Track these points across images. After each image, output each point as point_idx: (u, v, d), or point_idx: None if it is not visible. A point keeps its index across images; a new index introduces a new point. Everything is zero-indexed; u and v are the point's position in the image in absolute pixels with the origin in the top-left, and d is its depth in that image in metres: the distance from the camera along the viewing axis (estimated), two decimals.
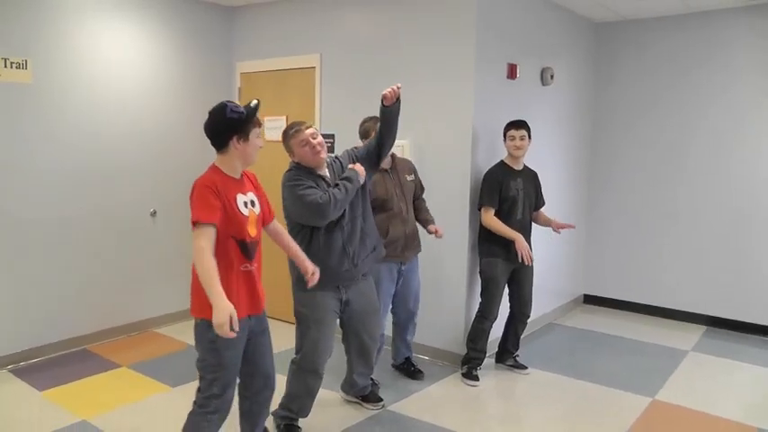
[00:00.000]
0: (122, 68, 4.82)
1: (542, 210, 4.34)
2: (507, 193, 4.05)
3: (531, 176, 4.23)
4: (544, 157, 5.13)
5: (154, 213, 5.02)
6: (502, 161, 4.18)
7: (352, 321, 3.36)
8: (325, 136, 4.91)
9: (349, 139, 4.59)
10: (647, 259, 5.74)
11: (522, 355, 4.50)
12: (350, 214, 3.21)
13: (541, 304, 5.29)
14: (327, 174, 3.21)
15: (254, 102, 2.62)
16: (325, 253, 3.14)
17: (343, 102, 4.88)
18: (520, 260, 3.93)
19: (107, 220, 4.78)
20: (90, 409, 3.65)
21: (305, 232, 3.15)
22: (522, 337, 4.41)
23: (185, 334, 4.93)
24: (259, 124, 2.63)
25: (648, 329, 5.36)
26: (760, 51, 5.11)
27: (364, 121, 3.83)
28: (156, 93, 5.07)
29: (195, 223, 2.44)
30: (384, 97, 3.12)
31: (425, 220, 4.03)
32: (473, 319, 4.22)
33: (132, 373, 4.22)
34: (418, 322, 4.23)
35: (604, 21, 5.76)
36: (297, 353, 3.28)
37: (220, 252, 2.49)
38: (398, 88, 3.14)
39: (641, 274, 5.78)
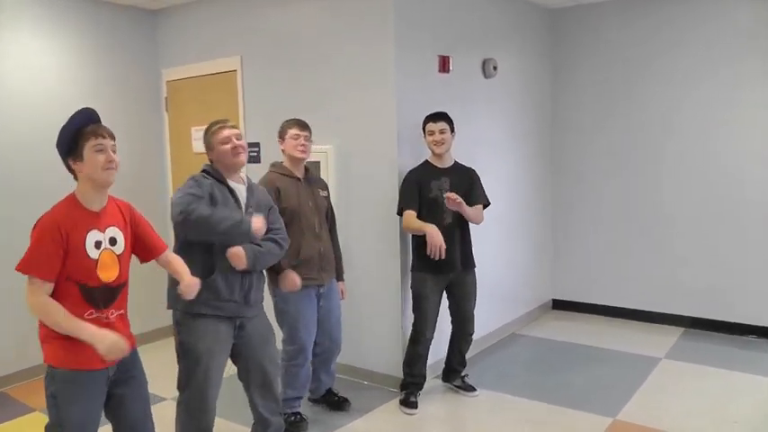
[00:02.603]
0: (31, 85, 4.48)
1: (481, 206, 3.81)
2: (428, 194, 3.63)
3: (462, 174, 3.77)
4: (494, 155, 4.74)
5: None
6: (426, 160, 3.77)
7: (251, 346, 2.94)
8: (250, 144, 4.59)
9: (275, 147, 4.23)
10: (618, 259, 5.29)
11: (474, 372, 4.12)
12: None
13: (503, 313, 4.94)
14: (242, 191, 2.87)
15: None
16: (219, 276, 2.75)
17: (267, 106, 4.51)
18: (432, 256, 3.45)
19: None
20: None
21: (194, 250, 2.75)
22: (469, 353, 4.00)
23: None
24: (99, 134, 2.23)
25: (621, 335, 4.93)
26: (733, 34, 4.65)
27: (285, 122, 3.53)
28: (69, 106, 4.63)
29: (29, 275, 2.10)
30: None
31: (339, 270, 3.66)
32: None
33: (42, 418, 3.87)
34: (353, 340, 3.87)
35: (559, 6, 5.31)
36: (181, 391, 2.88)
37: (58, 296, 2.16)
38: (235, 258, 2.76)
39: (613, 275, 5.33)
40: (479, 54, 4.52)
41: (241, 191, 2.89)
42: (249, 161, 4.58)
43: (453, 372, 3.99)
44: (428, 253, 3.45)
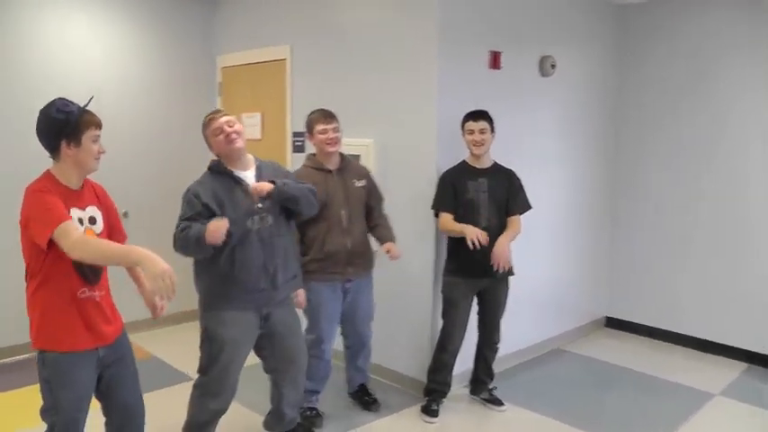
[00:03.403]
0: (92, 67, 4.65)
1: (520, 216, 3.59)
2: (464, 195, 3.46)
3: (501, 176, 3.57)
4: (549, 160, 4.49)
5: (125, 215, 4.83)
6: (463, 160, 3.59)
7: (278, 337, 2.92)
8: (295, 134, 4.58)
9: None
10: (681, 279, 4.84)
11: (506, 386, 3.92)
12: (270, 230, 2.82)
13: (547, 326, 4.69)
14: (249, 177, 2.83)
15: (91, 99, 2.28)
16: (241, 269, 2.75)
17: (313, 96, 4.43)
18: (471, 246, 3.26)
19: None
20: (10, 424, 3.45)
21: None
22: (505, 365, 3.84)
23: (154, 343, 4.75)
24: (97, 125, 2.27)
25: (675, 364, 4.52)
26: None
27: (310, 114, 3.42)
28: (129, 91, 4.88)
29: (50, 233, 2.08)
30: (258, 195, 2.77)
31: (382, 237, 3.47)
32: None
33: None
34: (382, 340, 3.75)
35: (627, 2, 4.92)
36: (201, 375, 2.89)
37: (50, 275, 2.18)
38: (258, 190, 2.74)
39: (674, 296, 4.89)
40: (536, 51, 4.27)
41: (248, 177, 2.84)
42: (294, 151, 4.62)
43: (480, 383, 3.80)
44: (469, 245, 3.25)
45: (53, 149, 2.24)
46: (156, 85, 5.05)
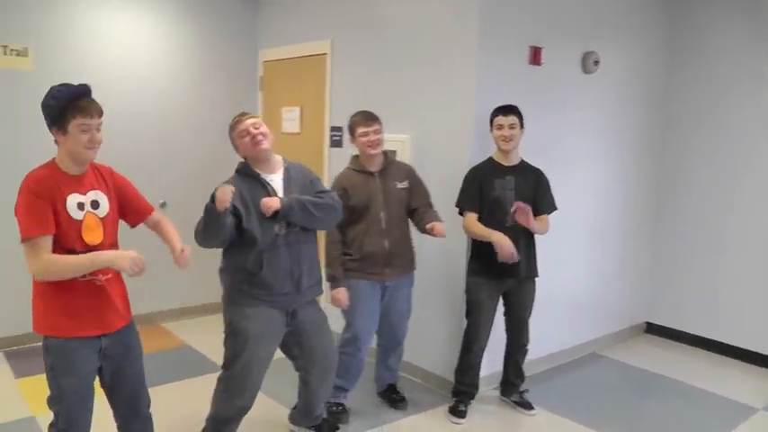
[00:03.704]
0: (136, 58, 4.75)
1: (548, 216, 3.50)
2: (490, 193, 3.37)
3: (528, 175, 3.47)
4: (590, 159, 4.37)
5: (163, 205, 4.92)
6: (490, 157, 3.50)
7: (305, 335, 2.92)
8: (333, 129, 4.57)
9: None
10: (728, 286, 4.64)
11: (538, 389, 3.84)
12: (297, 236, 2.81)
13: (584, 330, 4.57)
14: (276, 180, 2.82)
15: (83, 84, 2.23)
16: (268, 273, 2.75)
17: (353, 92, 4.44)
18: (499, 260, 3.21)
19: None
20: (34, 409, 3.52)
21: (241, 246, 2.76)
22: (539, 368, 3.76)
23: (188, 331, 4.83)
24: (87, 114, 2.18)
25: (717, 374, 4.34)
26: None
27: (352, 116, 3.40)
28: (174, 86, 4.97)
29: (26, 239, 2.11)
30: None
31: (428, 220, 3.33)
32: None
33: None
34: (413, 338, 3.70)
35: None
36: (225, 370, 2.90)
37: None
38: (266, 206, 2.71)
39: (720, 304, 4.68)
40: (579, 46, 4.14)
41: (275, 180, 2.83)
42: (332, 145, 4.62)
43: (510, 385, 3.73)
44: (500, 260, 3.22)
45: (53, 135, 2.25)
46: (200, 79, 5.12)
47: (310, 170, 3.03)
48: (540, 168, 3.54)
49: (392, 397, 3.70)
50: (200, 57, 5.11)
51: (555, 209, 3.55)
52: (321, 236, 3.19)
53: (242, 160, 2.89)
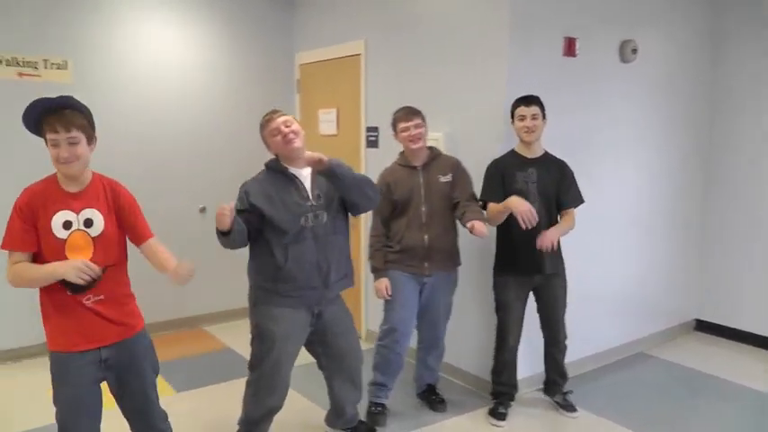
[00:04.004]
0: (173, 66, 4.83)
1: (574, 210, 3.41)
2: (512, 185, 3.29)
3: (552, 166, 3.38)
4: (630, 151, 4.24)
5: (203, 210, 4.99)
6: (512, 149, 3.42)
7: (330, 334, 2.91)
8: (368, 129, 4.55)
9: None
10: None
11: (582, 390, 3.74)
12: (325, 228, 2.80)
13: (631, 328, 4.44)
14: (304, 175, 2.82)
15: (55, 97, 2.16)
16: (294, 266, 2.75)
17: (387, 91, 4.41)
18: (523, 226, 3.08)
19: (154, 217, 4.80)
20: None
21: (263, 239, 2.79)
22: (584, 368, 3.66)
23: (230, 334, 4.88)
24: (53, 129, 2.10)
25: None
26: None
27: (395, 113, 3.42)
28: (208, 88, 5.03)
29: (9, 251, 2.17)
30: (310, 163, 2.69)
31: (468, 217, 3.24)
32: None
33: None
34: (453, 338, 3.67)
35: None
36: (252, 371, 2.92)
37: None
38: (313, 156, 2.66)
39: None
40: (616, 34, 4.01)
41: (304, 175, 2.83)
42: (368, 146, 4.60)
43: (553, 385, 3.63)
44: (522, 226, 3.09)
45: None
46: (237, 84, 5.17)
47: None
48: (575, 160, 3.44)
49: (431, 398, 3.65)
50: (237, 62, 5.16)
51: (581, 202, 3.45)
52: (353, 229, 3.16)
53: (270, 159, 2.90)
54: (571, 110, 3.81)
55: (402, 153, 3.45)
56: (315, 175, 2.83)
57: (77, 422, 2.27)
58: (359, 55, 4.66)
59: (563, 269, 3.47)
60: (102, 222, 2.25)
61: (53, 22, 4.26)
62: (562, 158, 3.44)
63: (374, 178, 3.33)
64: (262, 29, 5.26)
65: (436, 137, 3.93)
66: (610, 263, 4.19)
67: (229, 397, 3.71)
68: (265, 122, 2.83)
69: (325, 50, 5.04)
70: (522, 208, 3.08)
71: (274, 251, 2.74)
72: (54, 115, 2.12)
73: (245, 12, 5.15)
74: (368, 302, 4.67)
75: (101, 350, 2.26)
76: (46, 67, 4.21)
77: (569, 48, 3.71)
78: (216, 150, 5.11)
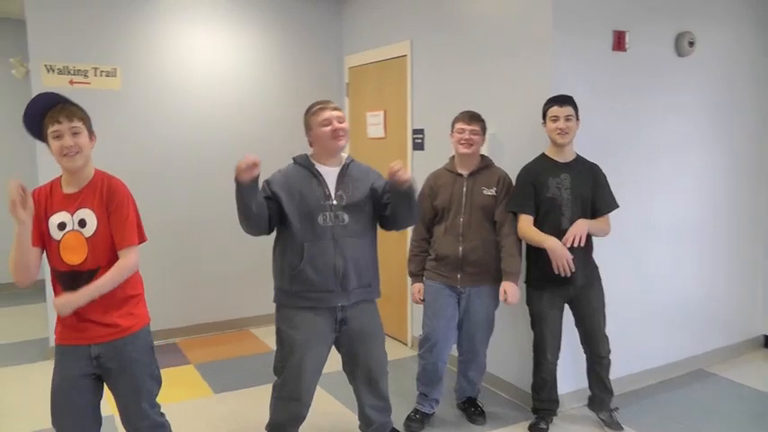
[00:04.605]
0: (220, 71, 4.90)
1: (608, 216, 3.21)
2: (544, 193, 3.11)
3: (585, 171, 3.18)
4: (688, 153, 3.97)
5: None
6: (543, 153, 3.24)
7: (353, 342, 2.82)
8: (414, 131, 4.46)
9: (439, 135, 4.08)
10: None
11: (631, 408, 3.52)
12: (344, 230, 2.70)
13: (689, 344, 4.15)
14: (330, 173, 2.74)
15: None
16: (308, 264, 2.67)
17: (433, 93, 4.32)
18: (557, 272, 2.99)
19: (201, 222, 4.92)
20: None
21: (282, 239, 2.76)
22: (636, 385, 3.47)
23: (273, 338, 4.87)
24: (55, 120, 2.13)
25: None
26: None
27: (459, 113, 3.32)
28: (257, 93, 5.08)
29: None
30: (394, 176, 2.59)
31: (504, 267, 3.21)
32: None
33: (193, 372, 4.24)
34: (496, 349, 3.54)
35: None
36: (277, 376, 2.87)
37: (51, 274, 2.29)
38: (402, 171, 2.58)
39: None
40: (672, 26, 3.76)
41: (330, 174, 2.75)
42: (414, 148, 4.51)
43: (599, 401, 3.40)
44: (555, 271, 3.01)
45: None
46: (287, 88, 5.20)
47: (379, 175, 2.89)
48: (625, 163, 3.24)
49: (470, 410, 3.53)
50: (287, 66, 5.19)
51: (616, 206, 3.24)
52: (382, 239, 3.07)
53: (300, 154, 2.83)
54: (621, 108, 3.59)
55: (452, 158, 3.36)
56: (342, 176, 2.76)
57: (65, 415, 2.29)
58: (405, 56, 4.58)
59: (598, 279, 3.26)
60: (96, 223, 2.24)
61: (104, 32, 4.41)
62: (610, 162, 3.24)
63: (420, 181, 3.28)
64: (311, 33, 5.27)
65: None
66: (665, 273, 3.93)
67: (266, 401, 3.69)
68: (318, 110, 2.74)
69: (372, 52, 5.00)
70: (559, 258, 2.99)
71: (291, 250, 2.68)
72: (56, 108, 2.17)
73: (294, 17, 5.17)
74: (413, 310, 4.57)
75: (91, 347, 2.26)
76: (96, 75, 4.36)
77: (619, 42, 3.50)
78: (265, 156, 5.07)
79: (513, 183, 3.28)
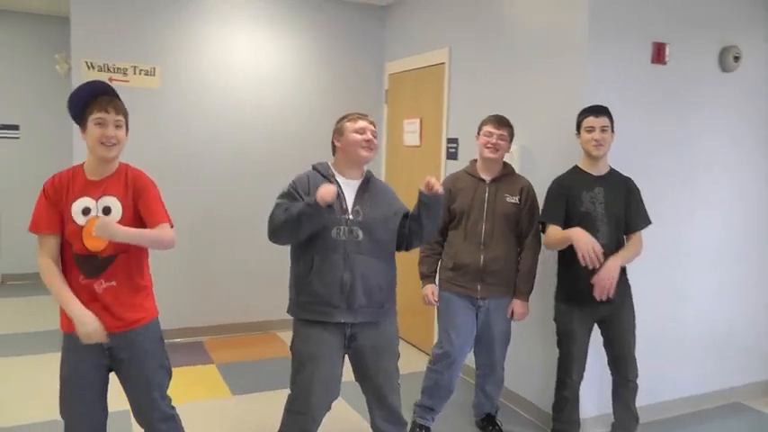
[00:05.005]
0: (261, 74, 4.94)
1: (640, 233, 3.05)
2: (577, 207, 2.98)
3: (618, 185, 3.04)
4: (731, 173, 3.78)
5: None
6: (576, 166, 3.11)
7: (362, 359, 2.74)
8: (449, 140, 4.39)
9: (473, 144, 3.96)
10: None
11: None
12: (357, 246, 2.61)
13: (724, 373, 3.93)
14: (349, 184, 2.68)
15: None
16: (316, 276, 2.60)
17: (468, 102, 4.24)
18: (583, 264, 2.82)
19: (234, 221, 4.95)
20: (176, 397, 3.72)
21: (297, 250, 2.70)
22: (667, 413, 3.30)
23: None
24: (103, 109, 2.19)
25: None
26: None
27: (488, 117, 3.25)
28: (298, 98, 5.09)
29: (38, 236, 2.25)
30: (429, 188, 2.57)
31: (519, 285, 3.18)
32: None
33: (214, 372, 4.26)
34: (517, 366, 3.46)
35: None
36: (290, 389, 2.83)
37: (63, 260, 2.27)
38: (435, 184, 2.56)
39: None
40: (715, 40, 3.58)
41: (350, 186, 2.68)
42: (448, 157, 4.44)
43: (623, 427, 3.22)
44: (582, 263, 2.84)
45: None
46: (327, 93, 5.19)
47: (397, 197, 2.82)
48: (662, 181, 3.09)
49: (488, 428, 3.42)
50: (327, 72, 5.19)
51: (649, 223, 3.09)
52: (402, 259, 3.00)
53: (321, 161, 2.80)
54: (660, 123, 3.44)
55: (473, 162, 3.28)
56: (362, 191, 2.69)
57: (76, 405, 2.32)
58: (443, 64, 4.52)
59: (630, 298, 3.11)
60: (120, 210, 2.28)
61: (142, 33, 4.50)
62: (643, 177, 3.10)
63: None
64: (353, 38, 5.26)
65: (511, 149, 3.71)
66: (701, 296, 3.74)
67: (281, 405, 3.67)
68: (356, 117, 2.72)
69: (411, 59, 4.96)
70: (584, 245, 2.82)
71: (303, 261, 2.64)
72: (105, 96, 2.22)
73: (336, 22, 5.18)
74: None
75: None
76: (135, 74, 4.47)
77: (658, 54, 3.35)
78: (303, 159, 5.09)
79: (543, 194, 3.16)
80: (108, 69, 4.36)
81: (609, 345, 3.14)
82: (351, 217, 2.63)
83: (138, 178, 2.35)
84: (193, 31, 4.67)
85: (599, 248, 2.83)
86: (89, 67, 4.32)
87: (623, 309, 3.08)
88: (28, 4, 5.88)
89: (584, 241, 2.83)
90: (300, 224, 2.50)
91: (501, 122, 3.17)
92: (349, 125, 2.71)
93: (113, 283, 2.28)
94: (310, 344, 2.66)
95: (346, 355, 2.76)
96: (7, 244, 6.38)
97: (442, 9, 4.55)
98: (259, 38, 4.91)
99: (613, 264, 2.91)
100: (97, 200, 2.26)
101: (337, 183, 2.68)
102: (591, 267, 2.85)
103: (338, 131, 2.76)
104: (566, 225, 2.99)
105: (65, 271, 2.25)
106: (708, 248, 3.73)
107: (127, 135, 2.31)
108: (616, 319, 3.07)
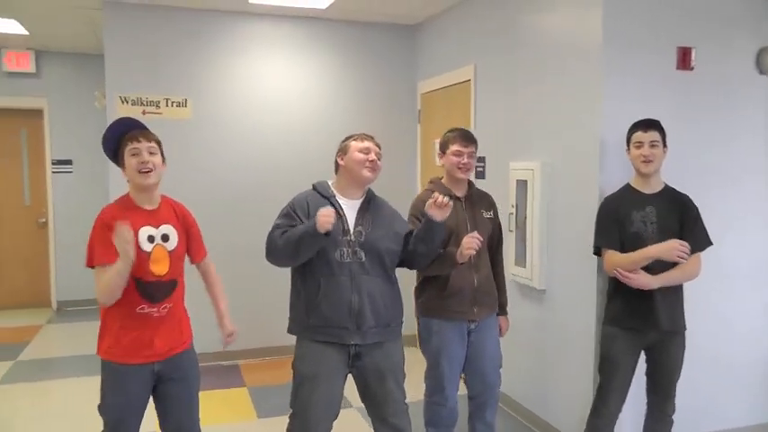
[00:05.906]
0: (292, 100, 5.01)
1: (700, 255, 2.82)
2: (628, 227, 2.80)
3: (673, 203, 2.84)
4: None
5: None
6: (627, 184, 2.92)
7: (365, 380, 2.68)
8: (477, 160, 4.27)
9: (501, 162, 3.92)
10: None
11: None
12: (361, 267, 2.57)
13: (753, 399, 3.57)
14: (349, 205, 2.65)
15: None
16: (323, 299, 2.58)
17: (494, 118, 4.15)
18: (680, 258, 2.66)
19: (262, 247, 4.96)
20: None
21: (300, 270, 2.67)
22: None
23: None
24: (135, 139, 2.30)
25: None
26: None
27: (447, 132, 3.08)
28: (330, 122, 5.09)
29: (93, 267, 2.29)
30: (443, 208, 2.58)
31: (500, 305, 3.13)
32: None
33: (244, 394, 4.29)
34: (540, 391, 3.31)
35: None
36: (291, 409, 2.77)
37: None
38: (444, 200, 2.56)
39: None
40: (751, 41, 3.34)
41: (351, 207, 2.64)
42: (476, 177, 4.34)
43: None
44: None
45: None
46: (360, 115, 5.19)
47: (401, 217, 2.79)
48: (697, 197, 2.88)
49: None
50: (359, 94, 5.21)
51: (709, 244, 2.86)
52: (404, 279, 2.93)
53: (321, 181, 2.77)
54: (689, 133, 3.24)
55: (438, 180, 3.09)
56: (363, 210, 2.65)
57: (128, 422, 2.40)
58: (469, 81, 4.45)
59: (683, 327, 2.88)
60: (177, 238, 2.42)
61: (174, 66, 4.66)
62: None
63: None
64: (384, 59, 5.26)
65: (532, 167, 3.60)
66: (745, 321, 3.46)
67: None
68: (362, 137, 2.71)
69: (440, 78, 4.91)
70: (668, 250, 2.69)
71: (309, 284, 2.61)
72: (135, 130, 2.36)
73: (367, 43, 5.20)
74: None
75: (154, 364, 2.38)
76: (167, 106, 4.62)
77: (684, 60, 3.16)
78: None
79: (562, 212, 3.03)
80: (141, 103, 4.53)
81: (652, 374, 2.92)
82: (353, 238, 2.59)
83: (186, 212, 2.54)
84: (222, 61, 4.79)
85: (686, 246, 2.66)
86: (123, 102, 4.51)
87: (675, 338, 2.86)
88: (75, 44, 6.19)
89: (673, 248, 2.67)
90: (299, 250, 2.50)
91: (468, 138, 2.99)
92: (354, 144, 2.68)
93: (170, 305, 2.40)
94: (311, 363, 2.62)
95: (350, 375, 2.70)
96: (62, 272, 6.67)
97: (467, 25, 4.49)
98: (289, 64, 4.98)
99: (647, 278, 2.72)
100: (157, 227, 2.38)
101: (338, 203, 2.64)
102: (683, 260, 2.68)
103: (343, 150, 2.73)
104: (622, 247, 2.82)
105: (121, 302, 2.30)
106: (749, 265, 3.45)
107: (164, 164, 2.41)
108: (665, 350, 2.86)
